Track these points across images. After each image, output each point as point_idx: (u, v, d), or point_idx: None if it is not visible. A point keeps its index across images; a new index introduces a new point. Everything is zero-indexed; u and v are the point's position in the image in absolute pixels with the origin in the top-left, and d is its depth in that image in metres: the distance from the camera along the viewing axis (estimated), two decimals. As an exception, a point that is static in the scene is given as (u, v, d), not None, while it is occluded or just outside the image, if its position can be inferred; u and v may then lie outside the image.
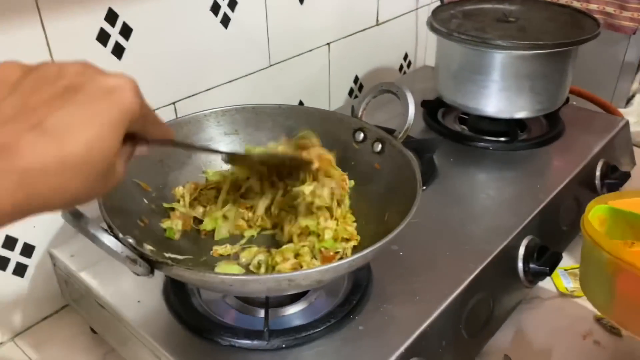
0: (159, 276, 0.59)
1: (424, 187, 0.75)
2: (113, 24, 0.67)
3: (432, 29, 0.84)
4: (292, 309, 0.57)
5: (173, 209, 0.61)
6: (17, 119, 0.29)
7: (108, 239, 0.42)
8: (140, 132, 0.37)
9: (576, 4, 1.10)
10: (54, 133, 0.29)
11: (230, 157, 0.62)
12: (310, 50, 0.95)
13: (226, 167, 0.65)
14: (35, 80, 0.31)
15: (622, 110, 1.11)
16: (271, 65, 0.89)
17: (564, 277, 0.76)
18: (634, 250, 0.55)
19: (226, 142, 0.67)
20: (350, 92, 1.08)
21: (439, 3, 1.16)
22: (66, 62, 0.33)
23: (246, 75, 0.86)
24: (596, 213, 0.56)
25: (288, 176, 0.61)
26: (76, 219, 0.41)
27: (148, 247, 0.52)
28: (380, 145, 0.63)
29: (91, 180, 0.31)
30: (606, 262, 0.52)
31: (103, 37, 0.66)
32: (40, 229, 0.68)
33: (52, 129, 0.29)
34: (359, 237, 0.59)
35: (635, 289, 0.50)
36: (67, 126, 0.29)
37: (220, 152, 0.62)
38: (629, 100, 1.18)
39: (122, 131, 0.32)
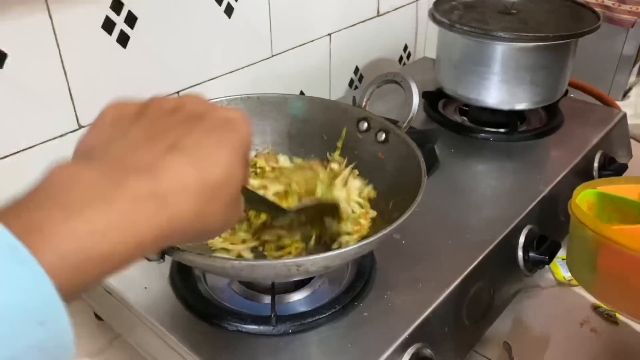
0: (165, 263, 0.59)
1: (426, 177, 0.76)
2: (118, 13, 0.67)
3: (434, 20, 0.84)
4: (297, 296, 0.58)
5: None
6: (151, 142, 0.29)
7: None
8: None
9: (575, -3, 1.10)
10: (192, 154, 0.28)
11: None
12: (312, 41, 0.95)
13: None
14: (156, 110, 0.31)
15: (619, 103, 1.12)
16: (273, 56, 0.89)
17: (562, 267, 0.77)
18: (616, 227, 0.56)
19: (231, 131, 0.68)
20: (351, 82, 1.09)
21: (439, -5, 1.16)
22: (178, 97, 0.33)
23: (249, 65, 0.86)
24: (585, 197, 0.58)
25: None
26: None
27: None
28: (384, 135, 0.64)
29: (227, 207, 0.31)
30: (589, 239, 0.54)
31: (108, 25, 0.67)
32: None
33: (189, 150, 0.29)
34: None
35: (615, 264, 0.52)
36: (203, 148, 0.29)
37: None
38: (626, 93, 1.19)
39: (245, 160, 0.32)
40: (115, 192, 0.25)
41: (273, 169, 0.65)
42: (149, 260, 0.46)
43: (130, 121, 0.31)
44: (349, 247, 0.44)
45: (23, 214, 0.23)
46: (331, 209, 0.57)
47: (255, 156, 0.68)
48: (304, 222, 0.54)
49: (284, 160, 0.68)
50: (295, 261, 0.42)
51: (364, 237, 0.59)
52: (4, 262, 0.20)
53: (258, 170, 0.65)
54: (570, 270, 0.61)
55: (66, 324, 0.22)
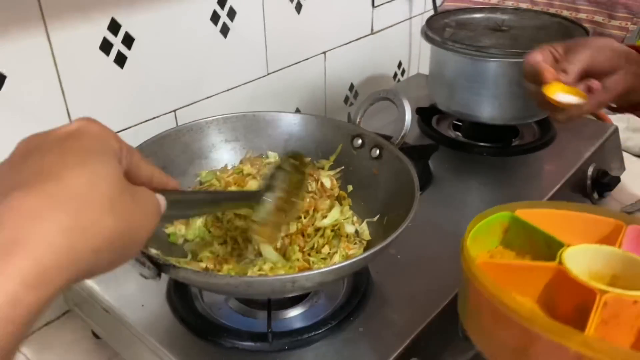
0: (162, 280, 0.60)
1: (420, 192, 0.77)
2: (116, 34, 0.68)
3: (427, 38, 0.86)
4: (294, 312, 0.58)
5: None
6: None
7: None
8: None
9: (566, 13, 1.12)
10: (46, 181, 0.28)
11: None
12: (307, 59, 0.97)
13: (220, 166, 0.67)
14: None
15: (611, 117, 1.13)
16: (269, 74, 0.91)
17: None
18: (494, 261, 0.49)
19: (227, 149, 0.69)
20: (346, 99, 1.10)
21: (432, 12, 1.18)
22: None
23: (245, 84, 0.87)
24: (500, 219, 0.51)
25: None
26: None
27: (153, 251, 0.54)
28: (378, 151, 0.65)
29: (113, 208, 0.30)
30: (463, 270, 0.46)
31: (106, 46, 0.68)
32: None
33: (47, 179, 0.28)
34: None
35: (476, 301, 0.45)
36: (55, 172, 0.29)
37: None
38: (618, 107, 1.20)
39: (114, 160, 0.32)
40: None
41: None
42: (145, 278, 0.47)
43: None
44: (344, 262, 0.45)
45: None
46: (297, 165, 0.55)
47: (241, 162, 0.69)
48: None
49: (273, 157, 0.69)
50: (291, 277, 0.43)
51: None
52: None
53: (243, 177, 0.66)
54: (458, 299, 0.52)
55: None
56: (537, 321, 0.38)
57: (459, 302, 0.50)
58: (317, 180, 0.64)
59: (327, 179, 0.65)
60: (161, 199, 0.35)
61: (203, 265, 0.57)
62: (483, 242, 0.50)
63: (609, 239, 0.49)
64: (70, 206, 0.27)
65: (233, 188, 0.64)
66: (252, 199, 0.50)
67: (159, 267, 0.46)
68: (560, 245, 0.46)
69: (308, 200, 0.61)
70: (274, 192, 0.51)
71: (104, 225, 0.29)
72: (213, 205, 0.44)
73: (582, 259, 0.45)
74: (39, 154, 0.30)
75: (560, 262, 0.44)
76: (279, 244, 0.58)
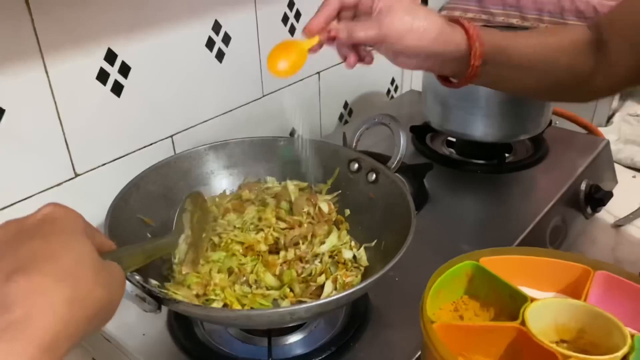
0: (163, 309, 0.60)
1: (417, 212, 0.78)
2: (112, 64, 0.69)
3: (419, 58, 0.87)
4: (294, 338, 0.59)
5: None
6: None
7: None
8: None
9: (555, 28, 1.14)
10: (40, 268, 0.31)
11: None
12: (302, 80, 0.98)
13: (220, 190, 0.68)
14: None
15: (603, 129, 1.15)
16: (264, 96, 0.92)
17: (553, 296, 0.78)
18: (454, 323, 0.46)
19: (225, 175, 0.70)
20: (340, 117, 1.11)
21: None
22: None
23: (241, 106, 0.88)
24: (463, 268, 0.49)
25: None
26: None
27: (153, 282, 0.54)
28: (374, 175, 0.65)
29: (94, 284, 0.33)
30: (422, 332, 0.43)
31: (103, 76, 0.68)
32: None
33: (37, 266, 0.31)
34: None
35: None
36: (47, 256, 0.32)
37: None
38: (609, 118, 1.22)
39: (84, 236, 0.35)
40: None
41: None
42: (146, 311, 0.47)
43: None
44: (343, 293, 0.46)
45: None
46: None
47: (239, 188, 0.69)
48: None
49: (271, 182, 0.70)
50: (289, 310, 0.43)
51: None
52: None
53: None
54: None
55: None
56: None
57: None
58: (314, 205, 0.65)
59: (325, 204, 0.66)
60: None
61: (194, 292, 0.57)
62: (449, 292, 0.49)
63: (577, 285, 0.47)
64: (67, 281, 0.31)
65: (231, 214, 0.65)
66: (170, 244, 0.56)
67: (159, 301, 0.47)
68: (524, 299, 0.44)
69: (306, 225, 0.62)
70: (183, 233, 0.57)
71: (95, 296, 0.33)
72: (144, 255, 0.47)
73: (548, 312, 0.44)
74: (24, 239, 0.33)
75: (522, 321, 0.43)
76: (277, 270, 0.59)
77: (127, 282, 0.45)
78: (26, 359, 0.28)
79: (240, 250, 0.62)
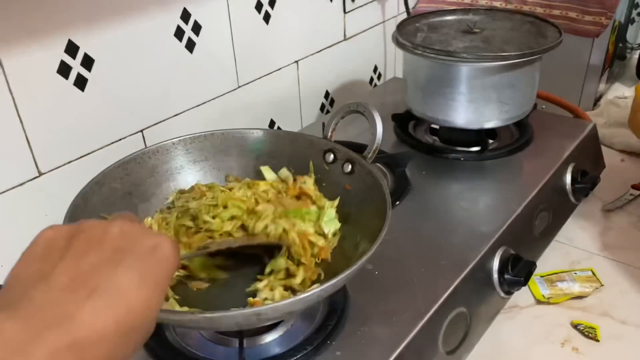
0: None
1: (397, 202, 0.76)
2: (74, 56, 0.66)
3: (398, 43, 0.84)
4: (269, 337, 0.56)
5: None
6: (73, 288, 0.29)
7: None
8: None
9: (540, 10, 1.11)
10: (112, 297, 0.29)
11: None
12: (279, 69, 0.95)
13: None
14: (82, 245, 0.32)
15: (590, 112, 1.13)
16: (240, 87, 0.89)
17: (540, 284, 0.76)
18: None
19: (196, 170, 0.67)
20: (322, 107, 1.08)
21: (405, 15, 1.17)
22: (107, 223, 0.33)
23: (215, 98, 0.85)
24: None
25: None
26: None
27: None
28: (350, 166, 0.63)
29: (138, 342, 0.31)
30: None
31: (64, 69, 0.65)
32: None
33: (110, 293, 0.29)
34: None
35: None
36: (124, 290, 0.30)
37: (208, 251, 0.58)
38: (596, 102, 1.20)
39: (167, 287, 0.33)
40: (34, 346, 0.26)
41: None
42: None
43: (59, 255, 0.31)
44: (311, 291, 0.43)
45: None
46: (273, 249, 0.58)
47: (227, 181, 0.67)
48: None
49: (267, 173, 0.67)
50: (255, 310, 0.41)
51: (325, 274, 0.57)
52: None
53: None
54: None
55: None
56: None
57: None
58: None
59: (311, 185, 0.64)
60: None
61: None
62: None
63: None
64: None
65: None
66: None
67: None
68: None
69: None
70: None
71: (123, 354, 0.31)
72: None
73: None
74: (127, 267, 0.31)
75: None
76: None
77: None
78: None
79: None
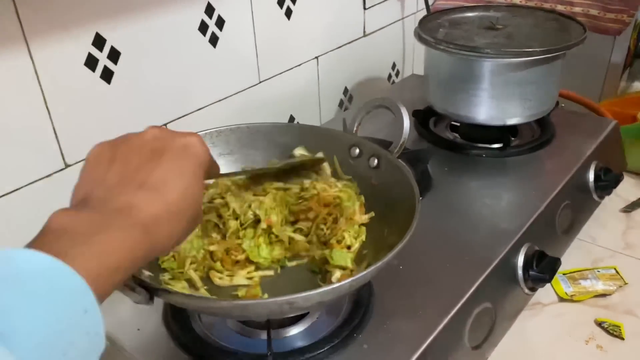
0: (158, 302, 0.58)
1: (420, 198, 0.75)
2: (101, 49, 0.66)
3: (420, 39, 0.84)
4: (295, 330, 0.56)
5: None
6: (125, 184, 0.36)
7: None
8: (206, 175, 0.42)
9: (560, 8, 1.11)
10: (157, 188, 0.36)
11: (253, 176, 0.64)
12: (299, 65, 0.95)
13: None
14: (125, 152, 0.38)
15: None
16: (261, 82, 0.89)
17: (563, 282, 0.76)
18: None
19: (221, 163, 0.66)
20: (340, 103, 1.08)
21: (424, 12, 1.16)
22: (142, 132, 0.39)
23: (236, 93, 0.85)
24: None
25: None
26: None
27: (146, 273, 0.52)
28: (376, 161, 0.63)
29: (190, 222, 0.38)
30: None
31: (91, 62, 0.66)
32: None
33: (155, 186, 0.36)
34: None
35: None
36: (165, 181, 0.36)
37: (246, 173, 0.64)
38: (616, 100, 1.19)
39: (203, 177, 0.39)
40: (109, 226, 0.33)
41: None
42: (136, 303, 0.45)
43: (108, 164, 0.38)
44: (343, 281, 0.43)
45: (46, 247, 0.29)
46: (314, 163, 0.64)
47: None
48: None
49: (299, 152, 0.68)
50: (287, 299, 0.41)
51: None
52: (55, 276, 0.28)
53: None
54: None
55: (99, 314, 0.30)
56: None
57: None
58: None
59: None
60: None
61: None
62: None
63: None
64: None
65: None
66: None
67: (150, 292, 0.44)
68: None
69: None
70: None
71: (179, 235, 0.39)
72: None
73: None
74: (165, 163, 0.38)
75: None
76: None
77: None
78: (139, 254, 0.33)
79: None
